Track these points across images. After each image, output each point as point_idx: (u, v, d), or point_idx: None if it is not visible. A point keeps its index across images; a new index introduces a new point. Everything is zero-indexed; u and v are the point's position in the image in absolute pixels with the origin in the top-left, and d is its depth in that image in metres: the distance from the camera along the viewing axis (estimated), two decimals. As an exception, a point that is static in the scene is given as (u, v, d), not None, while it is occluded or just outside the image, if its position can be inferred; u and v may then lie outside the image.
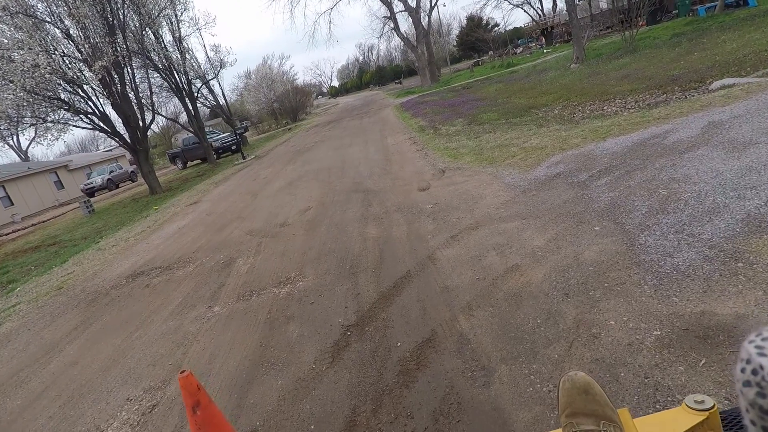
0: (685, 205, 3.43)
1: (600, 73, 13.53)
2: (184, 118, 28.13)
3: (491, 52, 43.13)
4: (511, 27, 51.83)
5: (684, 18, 21.25)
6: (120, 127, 16.89)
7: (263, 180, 11.44)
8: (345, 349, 2.91)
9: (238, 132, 22.35)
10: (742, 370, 0.42)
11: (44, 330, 4.98)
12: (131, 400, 3.05)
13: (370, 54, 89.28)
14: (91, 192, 27.06)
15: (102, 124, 15.51)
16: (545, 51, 32.23)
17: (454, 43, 63.80)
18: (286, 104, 43.83)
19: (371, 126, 17.35)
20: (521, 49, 43.71)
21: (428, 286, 3.43)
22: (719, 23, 15.39)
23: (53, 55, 13.64)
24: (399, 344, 2.79)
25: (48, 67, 13.00)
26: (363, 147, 12.10)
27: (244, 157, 19.42)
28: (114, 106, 15.64)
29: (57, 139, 16.57)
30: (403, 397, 2.34)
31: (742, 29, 12.73)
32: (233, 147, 23.92)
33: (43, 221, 18.71)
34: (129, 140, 16.33)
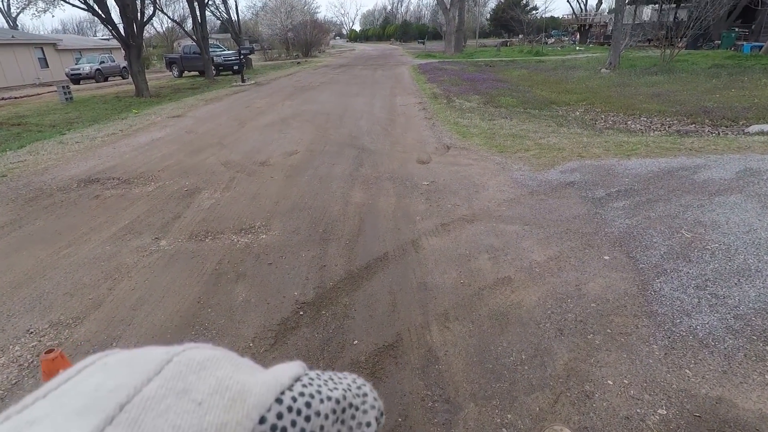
0: (711, 257, 3.02)
1: (630, 85, 12.88)
2: (190, 25, 26.22)
3: (522, 35, 41.41)
4: (549, 14, 49.71)
5: (726, 51, 20.47)
6: (116, 15, 15.47)
7: (256, 109, 10.62)
8: (292, 332, 2.47)
9: (243, 52, 20.91)
10: None
11: (-31, 218, 4.39)
12: (32, 332, 2.57)
13: (399, 5, 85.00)
14: (76, 78, 25.29)
15: (96, 6, 14.11)
16: (578, 48, 31.01)
17: (488, 16, 61.08)
18: (301, 36, 41.54)
19: (383, 80, 16.40)
20: (553, 40, 42.08)
21: (404, 278, 2.98)
22: (763, 65, 14.73)
23: None
24: (356, 342, 2.36)
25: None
26: (369, 100, 11.32)
27: (243, 81, 18.25)
28: (113, -11, 14.21)
29: (45, 11, 15.21)
30: (346, 415, 1.93)
31: (785, 77, 12.16)
32: (235, 67, 22.50)
33: (17, 97, 17.41)
34: (123, 32, 14.98)
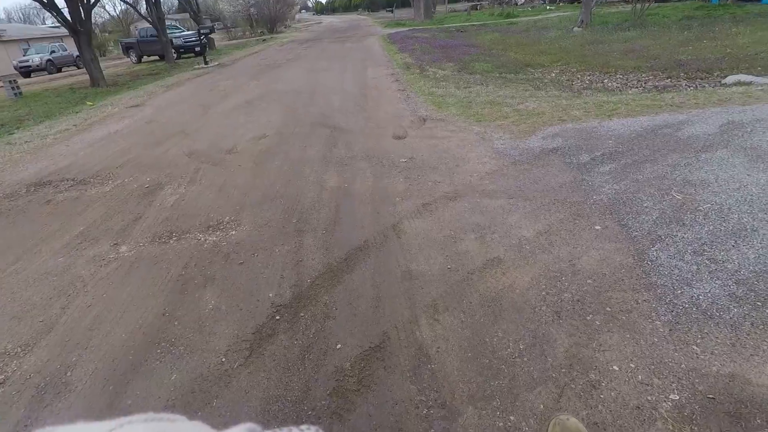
0: (705, 218, 2.89)
1: (603, 42, 12.67)
2: (145, 6, 24.66)
3: (492, -3, 40.53)
4: (517, -26, 48.54)
5: (694, 1, 20.34)
6: (60, -1, 14.32)
7: (221, 92, 10.06)
8: (269, 339, 2.24)
9: (202, 32, 19.82)
10: None
11: None
12: (-26, 364, 2.28)
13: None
14: (26, 71, 23.78)
15: (35, -10, 13.01)
16: (548, 8, 30.51)
17: (456, -21, 59.39)
18: (265, 12, 39.74)
19: (352, 53, 15.78)
20: (523, 0, 41.31)
21: (387, 267, 2.77)
22: (731, 14, 14.69)
23: None
24: (339, 347, 2.16)
25: None
26: (339, 75, 10.84)
27: (206, 62, 17.37)
28: (52, -29, 13.07)
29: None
30: (332, 433, 1.74)
31: (754, 25, 12.13)
32: (197, 48, 21.38)
33: (-39, 95, 16.17)
34: (69, 17, 13.91)
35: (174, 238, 3.39)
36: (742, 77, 6.40)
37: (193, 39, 21.85)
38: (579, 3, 22.47)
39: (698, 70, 8.05)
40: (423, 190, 3.84)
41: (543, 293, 2.38)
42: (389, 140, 5.34)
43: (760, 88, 5.57)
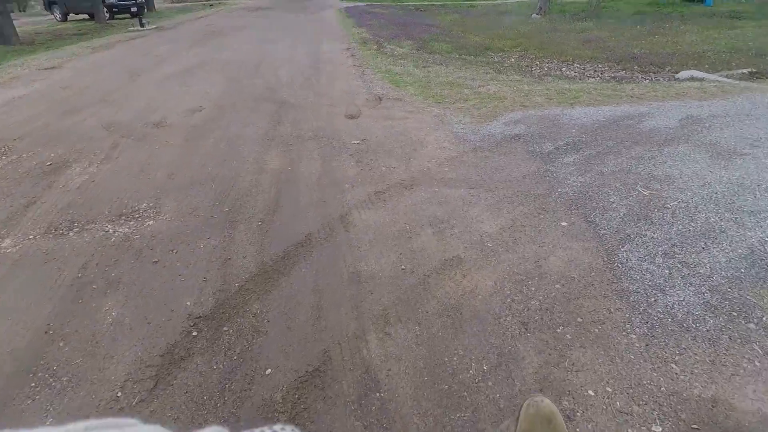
0: (673, 217, 2.73)
1: (561, 30, 12.71)
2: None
3: (451, -22, 40.03)
4: (476, -44, 48.30)
5: (644, -4, 20.98)
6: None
7: (155, 58, 9.04)
8: (181, 364, 1.81)
9: (139, -10, 17.90)
10: None
11: None
12: None
13: (321, -57, 78.40)
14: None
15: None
16: (506, -8, 30.50)
17: (415, -43, 58.25)
18: (212, -25, 36.82)
19: (306, 25, 14.88)
20: (482, -16, 41.17)
21: (333, 267, 2.39)
22: (679, 13, 15.23)
23: None
24: (269, 372, 1.76)
25: None
26: (290, 47, 10.09)
27: (142, 25, 15.72)
28: None
29: None
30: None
31: (700, 24, 12.60)
32: (133, 9, 19.41)
33: None
34: (-27, -40, 11.97)
35: (75, 230, 2.81)
36: (695, 73, 6.49)
37: (129, -2, 19.77)
38: (536, -10, 22.55)
39: (651, 63, 8.17)
40: (376, 176, 3.46)
41: (508, 300, 2.11)
42: (341, 119, 4.89)
43: (713, 84, 5.62)
